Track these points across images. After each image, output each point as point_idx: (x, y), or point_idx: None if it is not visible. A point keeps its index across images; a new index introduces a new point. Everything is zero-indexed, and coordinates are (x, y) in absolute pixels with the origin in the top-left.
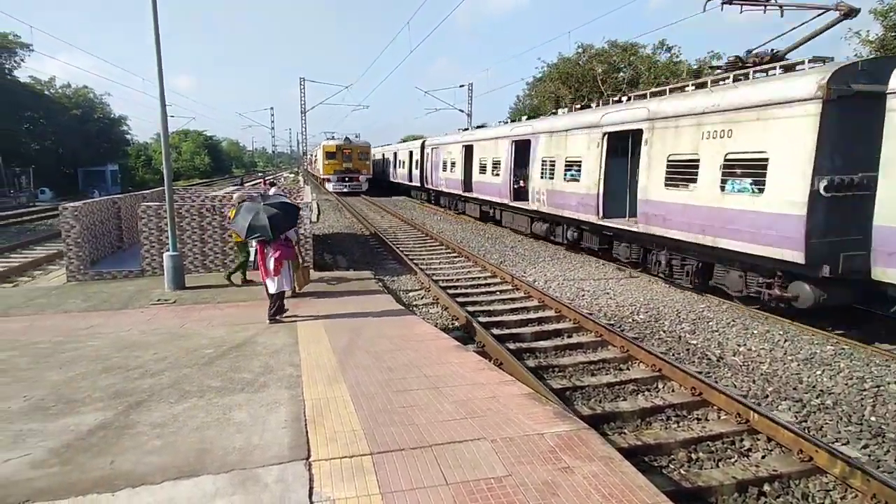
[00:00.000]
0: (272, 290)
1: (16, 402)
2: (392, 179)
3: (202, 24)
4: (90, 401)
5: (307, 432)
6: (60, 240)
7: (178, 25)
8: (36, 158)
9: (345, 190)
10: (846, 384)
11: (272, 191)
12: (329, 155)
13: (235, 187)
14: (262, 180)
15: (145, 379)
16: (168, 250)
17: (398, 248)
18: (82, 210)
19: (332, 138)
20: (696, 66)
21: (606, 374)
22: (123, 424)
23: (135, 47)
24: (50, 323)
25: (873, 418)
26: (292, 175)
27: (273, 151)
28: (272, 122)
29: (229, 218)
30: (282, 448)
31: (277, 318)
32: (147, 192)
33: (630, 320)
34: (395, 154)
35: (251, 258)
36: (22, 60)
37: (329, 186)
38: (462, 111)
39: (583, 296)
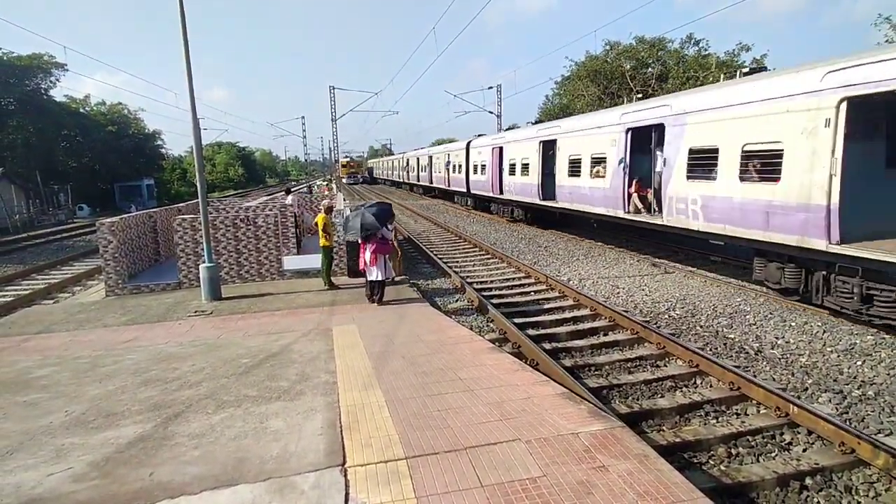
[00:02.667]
0: (370, 277)
1: (58, 416)
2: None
3: (233, 37)
4: (129, 414)
5: (343, 438)
6: (99, 255)
7: (210, 39)
8: (74, 175)
9: (352, 182)
10: (888, 374)
11: (289, 199)
12: (343, 165)
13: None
14: (307, 186)
15: (183, 390)
16: (204, 262)
17: (432, 251)
18: (119, 225)
19: (347, 156)
20: (724, 59)
21: (643, 371)
22: (162, 436)
23: (168, 62)
24: (90, 338)
25: None
26: (325, 183)
27: (306, 160)
28: (304, 131)
29: (314, 223)
30: (318, 455)
31: (376, 300)
32: (182, 204)
33: (666, 316)
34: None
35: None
36: (57, 80)
37: (343, 181)
38: (491, 113)
39: (618, 293)
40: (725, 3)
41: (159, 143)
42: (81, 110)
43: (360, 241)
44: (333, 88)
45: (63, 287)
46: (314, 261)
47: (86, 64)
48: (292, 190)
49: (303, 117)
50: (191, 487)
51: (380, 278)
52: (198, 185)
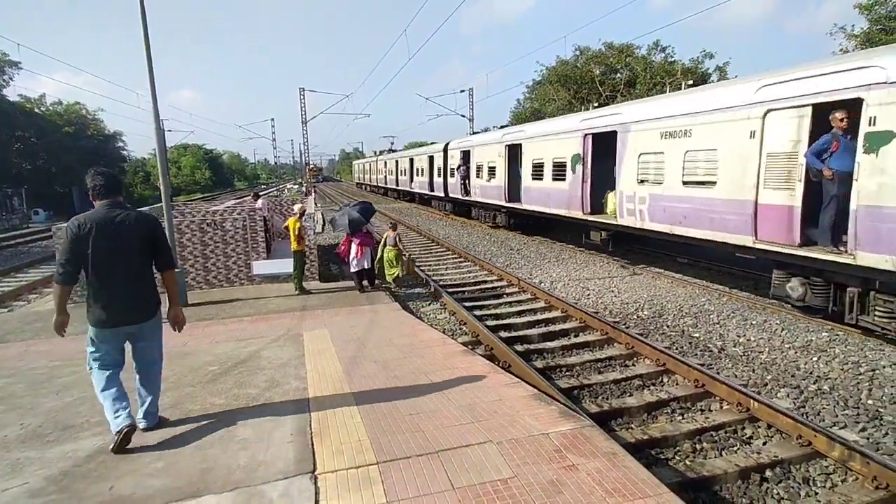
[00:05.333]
0: (354, 269)
1: (12, 430)
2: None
3: (205, 38)
4: (88, 426)
5: (313, 445)
6: (55, 262)
7: (180, 41)
8: (28, 178)
9: (314, 181)
10: (842, 369)
11: (258, 203)
12: (310, 170)
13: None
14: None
15: None
16: None
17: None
18: None
19: (313, 164)
20: (689, 66)
21: (613, 371)
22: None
23: (132, 61)
24: (46, 348)
25: (870, 402)
26: (296, 186)
27: (276, 163)
28: (273, 133)
29: (288, 227)
30: (287, 463)
31: (368, 288)
32: (145, 208)
33: (635, 317)
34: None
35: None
36: (10, 79)
37: (311, 180)
38: (464, 116)
39: (588, 295)
40: (693, 9)
41: (120, 144)
42: (37, 110)
43: (346, 236)
44: (303, 90)
45: (17, 295)
46: (285, 265)
47: (45, 63)
48: (261, 194)
49: (272, 119)
50: (153, 500)
51: (367, 266)
52: (161, 188)
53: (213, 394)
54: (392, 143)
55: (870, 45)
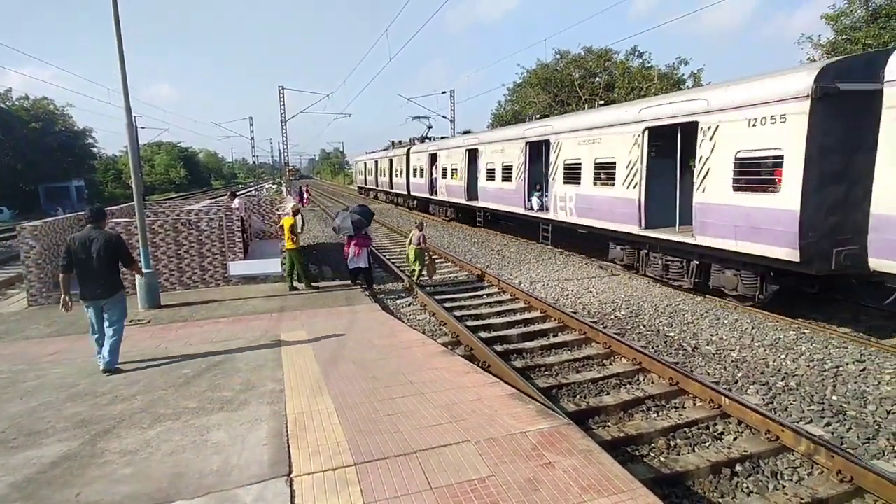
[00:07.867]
0: (351, 266)
1: None
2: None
3: (187, 33)
4: (54, 431)
5: (289, 448)
6: (20, 262)
7: (162, 34)
8: None
9: (295, 179)
10: (808, 366)
11: (235, 202)
12: (290, 171)
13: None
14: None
15: (115, 405)
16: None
17: (384, 255)
18: (43, 229)
19: (292, 165)
20: (665, 71)
21: (590, 370)
22: (90, 454)
23: (104, 54)
24: (10, 351)
25: (834, 397)
26: (275, 186)
27: (254, 162)
28: (251, 132)
29: (281, 226)
30: (262, 466)
31: (370, 288)
32: (116, 207)
33: (612, 317)
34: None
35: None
36: None
37: (293, 178)
38: (445, 117)
39: (567, 295)
40: (669, 16)
41: (90, 141)
42: (2, 105)
43: (346, 238)
44: (283, 89)
45: None
46: (263, 266)
47: (12, 57)
48: (238, 194)
49: (250, 118)
50: None
51: (364, 266)
52: (133, 186)
53: (185, 397)
54: (430, 128)
55: (835, 54)
